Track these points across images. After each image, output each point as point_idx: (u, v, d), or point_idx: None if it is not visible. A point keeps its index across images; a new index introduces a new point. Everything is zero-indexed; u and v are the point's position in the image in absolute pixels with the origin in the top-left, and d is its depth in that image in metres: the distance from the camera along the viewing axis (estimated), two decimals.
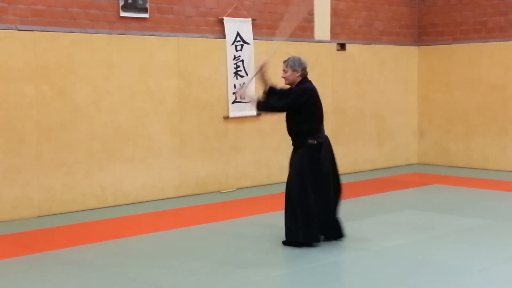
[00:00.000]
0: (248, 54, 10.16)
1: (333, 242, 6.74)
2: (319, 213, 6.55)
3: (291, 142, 6.82)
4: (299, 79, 6.72)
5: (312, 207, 6.50)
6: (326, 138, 6.77)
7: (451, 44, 12.26)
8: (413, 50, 12.68)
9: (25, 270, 5.96)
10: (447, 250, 6.49)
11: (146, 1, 9.06)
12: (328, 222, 6.67)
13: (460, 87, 12.18)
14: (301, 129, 6.64)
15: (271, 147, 10.60)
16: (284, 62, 6.76)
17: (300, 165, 6.57)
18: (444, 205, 8.76)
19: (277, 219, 7.96)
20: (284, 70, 6.74)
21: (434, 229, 7.40)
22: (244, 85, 6.74)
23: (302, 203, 6.49)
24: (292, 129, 6.74)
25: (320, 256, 6.28)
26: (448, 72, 12.32)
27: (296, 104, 6.57)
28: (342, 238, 6.75)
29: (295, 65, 6.71)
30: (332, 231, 6.74)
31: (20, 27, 8.07)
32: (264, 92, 6.78)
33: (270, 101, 6.68)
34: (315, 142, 6.60)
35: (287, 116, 6.77)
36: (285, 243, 6.61)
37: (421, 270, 5.82)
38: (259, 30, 10.38)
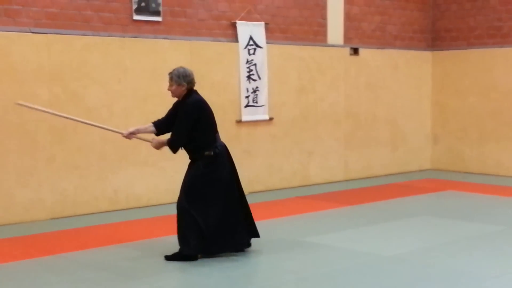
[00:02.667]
0: (261, 58, 10.15)
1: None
2: (222, 224, 6.33)
3: (188, 156, 6.49)
4: (185, 92, 6.36)
5: (211, 219, 6.27)
6: (224, 146, 6.52)
7: (465, 49, 12.19)
8: (426, 55, 12.62)
9: (37, 272, 5.96)
10: (460, 256, 6.43)
11: (159, 5, 9.07)
12: (235, 231, 6.43)
13: (474, 93, 12.10)
14: (197, 142, 6.32)
15: (283, 151, 10.57)
16: (169, 75, 6.37)
17: (196, 176, 6.33)
18: (457, 211, 8.69)
19: (291, 223, 7.94)
20: (169, 84, 6.36)
21: (447, 235, 7.34)
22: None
23: (200, 215, 6.25)
24: (188, 144, 6.37)
25: (330, 262, 6.24)
26: (462, 77, 12.25)
27: (191, 123, 6.25)
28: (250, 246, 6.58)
29: (180, 79, 6.31)
30: (240, 239, 6.48)
31: (33, 29, 8.10)
32: (163, 143, 6.44)
33: (171, 142, 6.35)
34: (212, 153, 6.35)
35: (173, 125, 6.41)
36: (172, 256, 6.31)
37: (434, 277, 5.76)
38: (272, 34, 10.36)
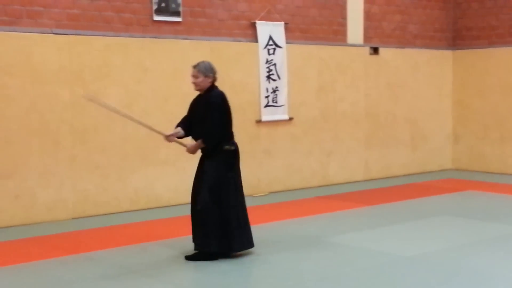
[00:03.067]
0: (280, 57, 10.14)
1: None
2: (243, 220, 6.37)
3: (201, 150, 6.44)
4: (209, 84, 6.40)
5: (234, 216, 6.29)
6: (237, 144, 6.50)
7: (487, 48, 12.09)
8: (447, 54, 12.53)
9: (59, 271, 6.01)
10: (482, 257, 6.38)
11: (179, 5, 9.11)
12: (249, 227, 6.47)
13: (495, 92, 12.00)
14: (219, 135, 6.31)
15: (303, 151, 10.56)
16: (195, 67, 6.39)
17: (219, 175, 6.28)
18: (478, 212, 8.63)
19: (310, 223, 7.93)
20: (194, 76, 6.36)
21: (468, 236, 7.29)
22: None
23: (224, 213, 6.26)
24: (201, 136, 6.34)
25: (350, 262, 6.23)
26: (483, 76, 12.15)
27: (222, 114, 6.29)
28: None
29: (207, 71, 6.35)
30: (251, 235, 6.51)
31: (55, 30, 8.17)
32: (197, 146, 6.40)
33: (208, 139, 6.31)
34: (233, 147, 6.37)
35: (196, 122, 6.38)
36: (192, 257, 6.31)
37: (455, 278, 5.73)
38: (291, 34, 10.36)
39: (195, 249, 6.39)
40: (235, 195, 6.38)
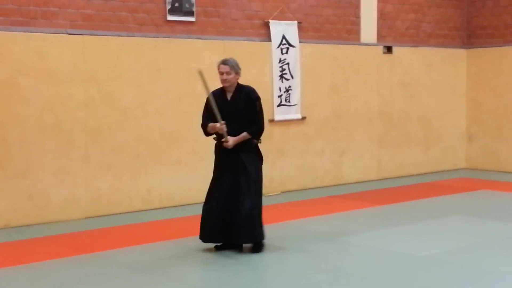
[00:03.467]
0: (293, 57, 10.14)
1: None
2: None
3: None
4: (237, 81, 6.58)
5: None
6: None
7: (501, 46, 12.02)
8: (461, 52, 12.47)
9: (73, 270, 6.05)
10: (496, 257, 6.35)
11: (193, 5, 9.13)
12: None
13: (510, 91, 11.92)
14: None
15: (316, 150, 10.55)
16: (225, 63, 6.46)
17: (256, 165, 6.58)
18: (493, 211, 8.58)
19: (324, 222, 7.92)
20: (227, 72, 6.42)
21: (482, 235, 7.26)
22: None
23: (260, 203, 6.60)
24: (240, 131, 6.45)
25: (364, 261, 6.22)
26: (498, 75, 12.08)
27: (261, 127, 6.62)
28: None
29: (238, 68, 6.50)
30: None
31: (69, 31, 8.21)
32: (240, 139, 6.47)
33: (258, 132, 6.55)
34: (260, 141, 6.65)
35: (234, 119, 6.43)
36: (257, 248, 6.52)
37: (469, 277, 5.70)
38: (305, 33, 10.34)
39: (255, 243, 6.51)
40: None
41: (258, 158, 6.64)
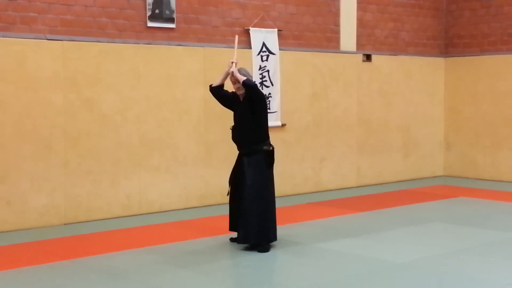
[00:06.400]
0: (273, 64, 10.17)
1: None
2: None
3: (240, 150, 6.94)
4: None
5: (271, 209, 6.90)
6: None
7: (479, 55, 12.16)
8: (439, 61, 12.60)
9: (51, 277, 6.01)
10: (474, 263, 6.41)
11: (173, 12, 9.13)
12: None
13: (487, 99, 12.07)
14: (256, 134, 6.81)
15: (296, 157, 10.59)
16: (241, 71, 6.92)
17: (262, 170, 6.78)
18: (471, 218, 8.67)
19: (303, 229, 7.94)
20: (239, 82, 6.85)
21: (460, 242, 7.32)
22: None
23: (273, 205, 6.90)
24: (246, 136, 6.83)
25: (343, 268, 6.24)
26: (475, 84, 12.23)
27: (258, 90, 6.94)
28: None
29: (249, 75, 6.97)
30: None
31: (49, 36, 8.17)
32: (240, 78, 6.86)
33: (253, 84, 6.90)
34: (270, 148, 6.85)
35: (239, 123, 6.91)
36: (265, 248, 6.77)
37: (447, 284, 5.75)
38: (285, 41, 10.39)
39: (265, 242, 6.79)
40: (273, 191, 6.90)
41: (264, 162, 6.79)
